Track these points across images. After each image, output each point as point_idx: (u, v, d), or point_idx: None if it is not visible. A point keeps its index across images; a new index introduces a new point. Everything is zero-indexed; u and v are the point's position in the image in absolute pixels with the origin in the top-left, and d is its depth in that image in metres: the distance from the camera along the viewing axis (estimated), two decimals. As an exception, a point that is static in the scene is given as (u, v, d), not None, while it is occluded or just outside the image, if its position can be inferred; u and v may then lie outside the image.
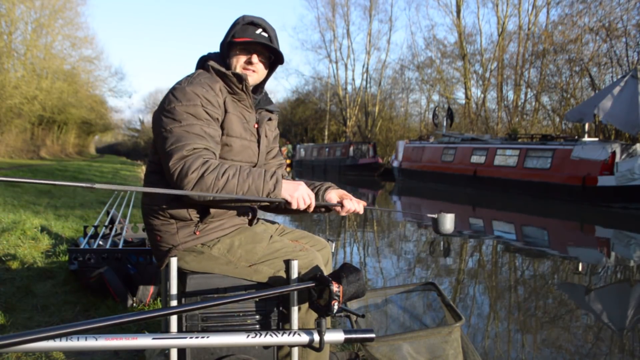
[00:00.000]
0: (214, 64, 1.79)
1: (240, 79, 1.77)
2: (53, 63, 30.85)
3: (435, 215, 1.84)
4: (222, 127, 1.73)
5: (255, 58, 1.82)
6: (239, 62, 1.82)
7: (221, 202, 1.64)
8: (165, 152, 1.61)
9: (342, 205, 1.86)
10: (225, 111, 1.74)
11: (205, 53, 1.89)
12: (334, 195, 1.90)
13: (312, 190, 1.89)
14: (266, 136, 1.92)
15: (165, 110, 1.67)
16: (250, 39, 1.79)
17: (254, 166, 1.87)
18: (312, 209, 1.74)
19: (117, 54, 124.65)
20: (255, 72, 1.84)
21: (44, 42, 30.18)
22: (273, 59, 1.91)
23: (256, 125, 1.87)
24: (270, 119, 1.96)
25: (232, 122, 1.75)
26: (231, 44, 1.82)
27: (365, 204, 1.92)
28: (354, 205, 1.88)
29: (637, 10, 19.36)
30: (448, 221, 1.79)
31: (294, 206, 1.67)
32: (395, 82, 37.53)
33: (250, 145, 1.83)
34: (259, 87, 1.94)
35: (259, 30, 1.81)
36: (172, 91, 1.70)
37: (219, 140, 1.71)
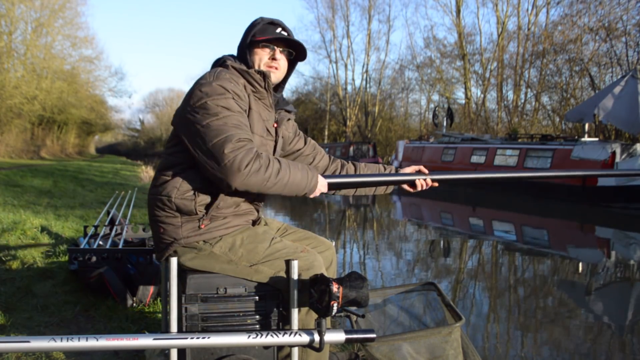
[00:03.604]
0: (235, 63, 1.81)
1: (264, 75, 1.80)
2: (53, 63, 30.83)
3: None
4: None
5: (278, 53, 1.86)
6: (262, 61, 1.85)
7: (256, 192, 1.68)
8: (208, 148, 1.59)
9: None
10: (250, 107, 1.77)
11: (221, 55, 1.90)
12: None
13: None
14: (282, 137, 1.95)
15: (196, 106, 1.66)
16: (273, 37, 1.85)
17: None
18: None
19: (117, 54, 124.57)
20: (278, 69, 1.88)
21: (44, 42, 30.18)
22: (294, 55, 1.95)
23: (275, 125, 1.90)
24: (288, 119, 1.99)
25: (254, 119, 1.77)
26: (252, 43, 1.85)
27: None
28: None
29: (637, 10, 19.38)
30: None
31: (311, 196, 1.80)
32: (395, 82, 37.59)
33: (267, 143, 1.85)
34: (279, 86, 1.98)
35: (279, 29, 1.86)
36: (199, 87, 1.70)
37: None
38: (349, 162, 2.17)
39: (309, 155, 2.11)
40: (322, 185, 1.79)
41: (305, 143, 2.11)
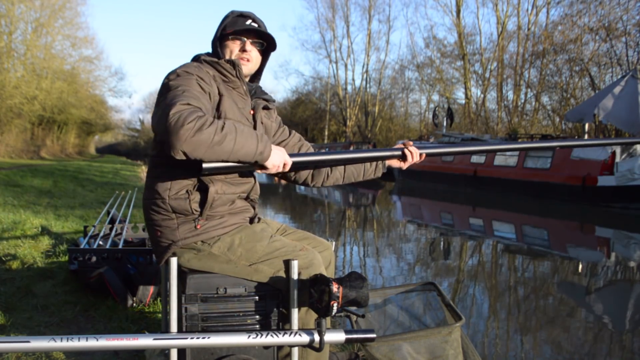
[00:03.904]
0: (207, 57, 1.84)
1: (233, 64, 1.82)
2: (53, 63, 30.83)
3: None
4: (218, 109, 1.74)
5: (248, 45, 1.88)
6: (233, 52, 1.87)
7: (208, 161, 1.54)
8: (160, 115, 1.53)
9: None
10: (221, 94, 1.76)
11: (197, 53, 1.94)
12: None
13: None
14: (262, 123, 1.93)
15: (160, 91, 1.68)
16: (242, 28, 1.86)
17: None
18: (287, 169, 1.72)
19: (117, 54, 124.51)
20: (250, 60, 1.89)
21: (44, 42, 30.19)
22: (265, 46, 1.96)
23: (252, 112, 1.89)
24: (267, 108, 1.98)
25: (227, 106, 1.76)
26: (222, 37, 1.88)
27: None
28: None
29: (637, 10, 19.39)
30: None
31: (271, 172, 1.70)
32: (395, 82, 37.62)
33: None
34: (255, 77, 2.00)
35: (249, 21, 1.88)
36: (166, 76, 1.72)
37: (211, 113, 1.70)
38: None
39: (294, 146, 2.10)
40: (280, 155, 1.67)
41: (290, 134, 2.11)
